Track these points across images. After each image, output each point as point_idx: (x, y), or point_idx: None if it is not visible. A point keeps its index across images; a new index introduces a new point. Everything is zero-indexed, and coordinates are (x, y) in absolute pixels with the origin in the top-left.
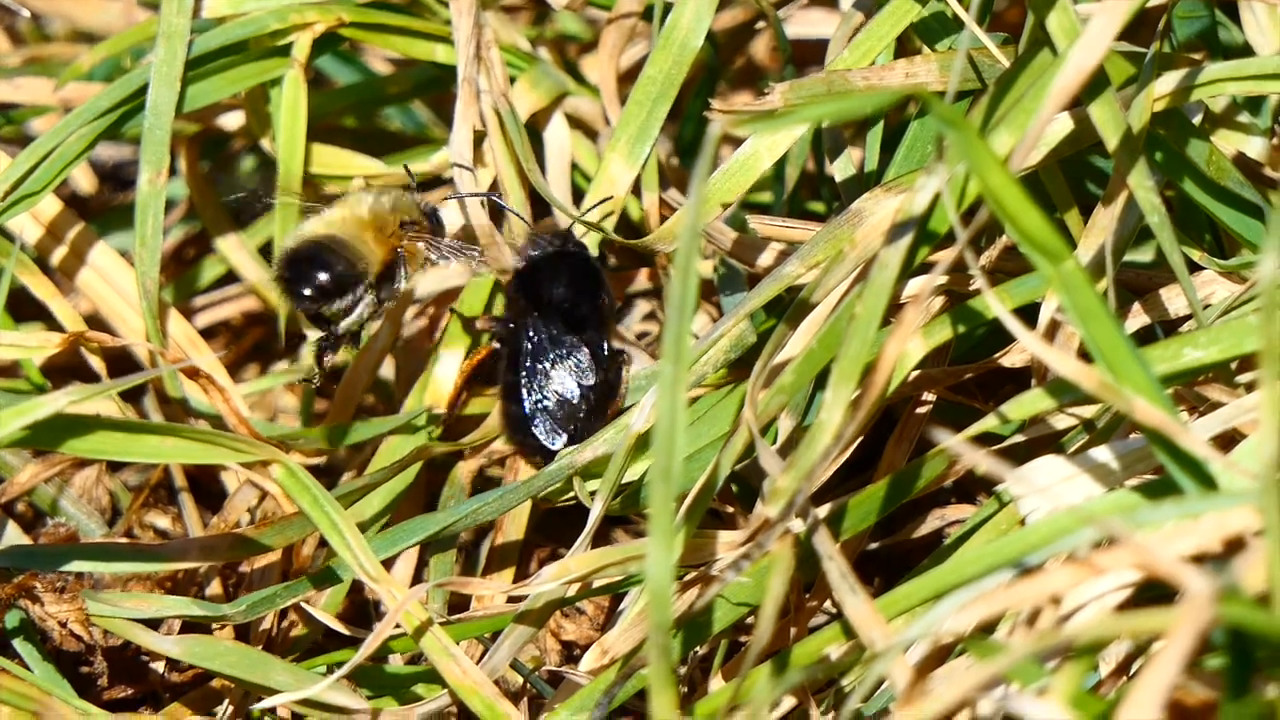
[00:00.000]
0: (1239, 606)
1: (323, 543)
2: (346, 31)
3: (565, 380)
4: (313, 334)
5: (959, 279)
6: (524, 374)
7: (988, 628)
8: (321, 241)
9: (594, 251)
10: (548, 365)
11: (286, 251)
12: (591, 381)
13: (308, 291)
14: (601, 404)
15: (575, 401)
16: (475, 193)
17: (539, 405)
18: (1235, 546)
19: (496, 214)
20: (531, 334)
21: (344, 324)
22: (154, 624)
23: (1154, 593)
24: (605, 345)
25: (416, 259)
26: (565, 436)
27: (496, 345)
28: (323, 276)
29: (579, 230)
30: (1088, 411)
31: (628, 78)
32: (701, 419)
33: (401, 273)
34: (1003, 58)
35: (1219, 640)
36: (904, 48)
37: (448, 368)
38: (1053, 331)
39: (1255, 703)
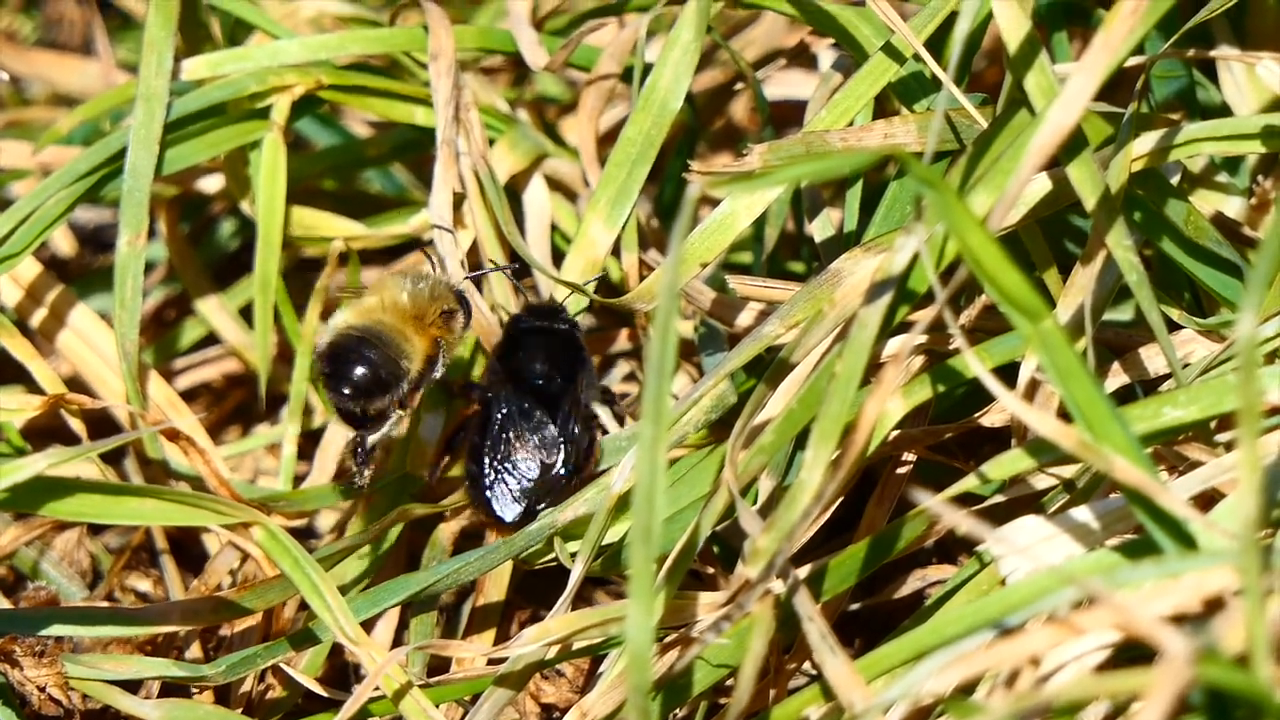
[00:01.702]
0: (1218, 667)
1: (304, 604)
2: (326, 94)
3: (528, 455)
4: (339, 429)
5: (938, 338)
6: (489, 441)
7: (968, 688)
8: (363, 335)
9: (580, 322)
10: (513, 437)
11: (326, 346)
12: (553, 460)
13: (347, 391)
14: (561, 482)
15: (533, 477)
16: (497, 266)
17: (498, 475)
18: (1215, 606)
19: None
20: (504, 405)
21: (379, 433)
22: (133, 686)
23: (1133, 653)
24: (574, 424)
25: (453, 348)
26: (519, 508)
27: (476, 408)
28: (363, 373)
29: (572, 306)
30: (1068, 471)
31: (607, 139)
32: (682, 480)
33: (440, 362)
34: (980, 118)
35: (1198, 701)
36: (882, 108)
37: (430, 430)
38: (1032, 391)
39: None
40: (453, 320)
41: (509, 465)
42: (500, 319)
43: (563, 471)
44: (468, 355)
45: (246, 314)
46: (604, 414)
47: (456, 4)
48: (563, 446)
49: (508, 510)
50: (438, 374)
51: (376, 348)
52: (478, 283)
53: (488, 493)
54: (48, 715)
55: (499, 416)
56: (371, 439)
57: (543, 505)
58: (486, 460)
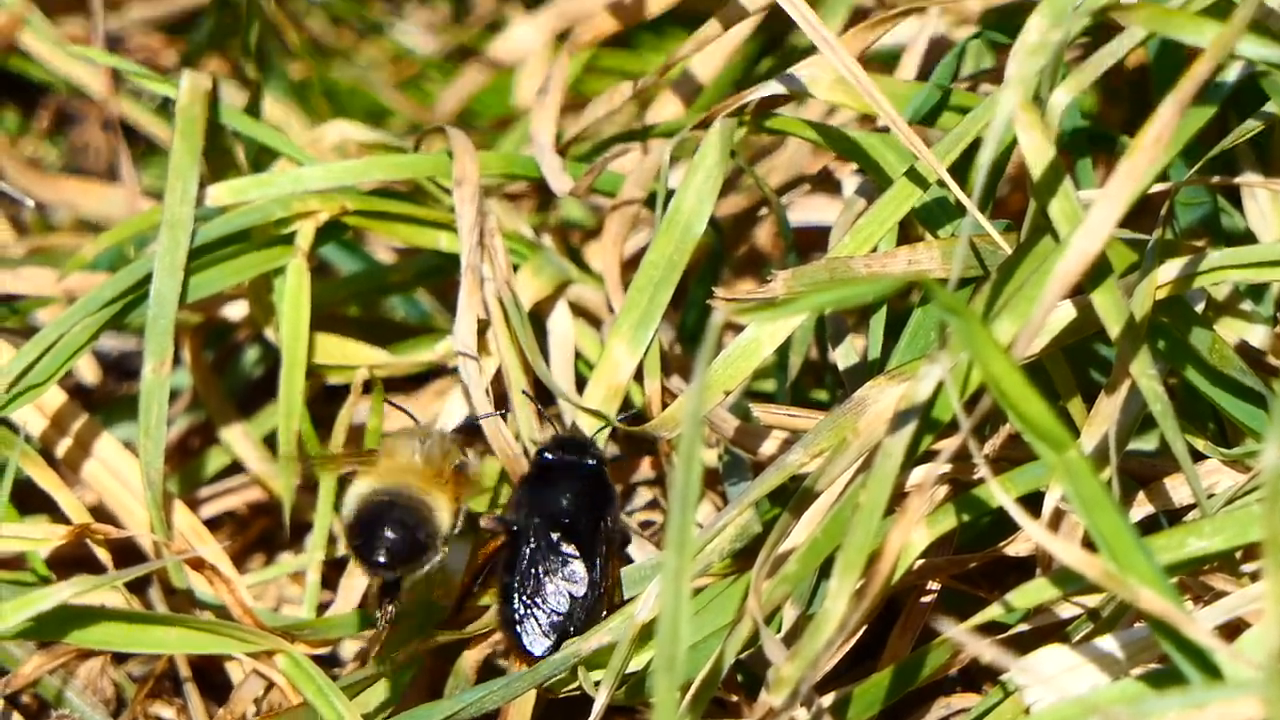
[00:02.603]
0: None
1: None
2: (350, 219)
3: (556, 589)
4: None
5: (962, 468)
6: (518, 577)
7: None
8: (392, 499)
9: (605, 451)
10: (540, 572)
11: (353, 515)
12: (582, 593)
13: (383, 559)
14: (590, 615)
15: (564, 611)
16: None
17: (528, 610)
18: None
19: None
20: (531, 539)
21: (413, 578)
22: None
23: None
24: (601, 560)
25: (471, 498)
26: (549, 643)
27: (503, 539)
28: (399, 538)
29: (600, 439)
30: (1092, 600)
31: (631, 264)
32: (706, 609)
33: (462, 515)
34: (1005, 244)
35: None
36: (906, 234)
37: (455, 559)
38: (1057, 520)
39: None
40: (465, 471)
41: (538, 600)
42: (526, 448)
43: (590, 604)
44: (491, 486)
45: (271, 442)
46: (634, 546)
47: (481, 130)
48: (591, 581)
49: (537, 645)
50: (458, 528)
51: (407, 510)
52: (501, 411)
53: (517, 628)
54: None
55: (526, 551)
56: (406, 585)
57: (570, 637)
58: (515, 598)
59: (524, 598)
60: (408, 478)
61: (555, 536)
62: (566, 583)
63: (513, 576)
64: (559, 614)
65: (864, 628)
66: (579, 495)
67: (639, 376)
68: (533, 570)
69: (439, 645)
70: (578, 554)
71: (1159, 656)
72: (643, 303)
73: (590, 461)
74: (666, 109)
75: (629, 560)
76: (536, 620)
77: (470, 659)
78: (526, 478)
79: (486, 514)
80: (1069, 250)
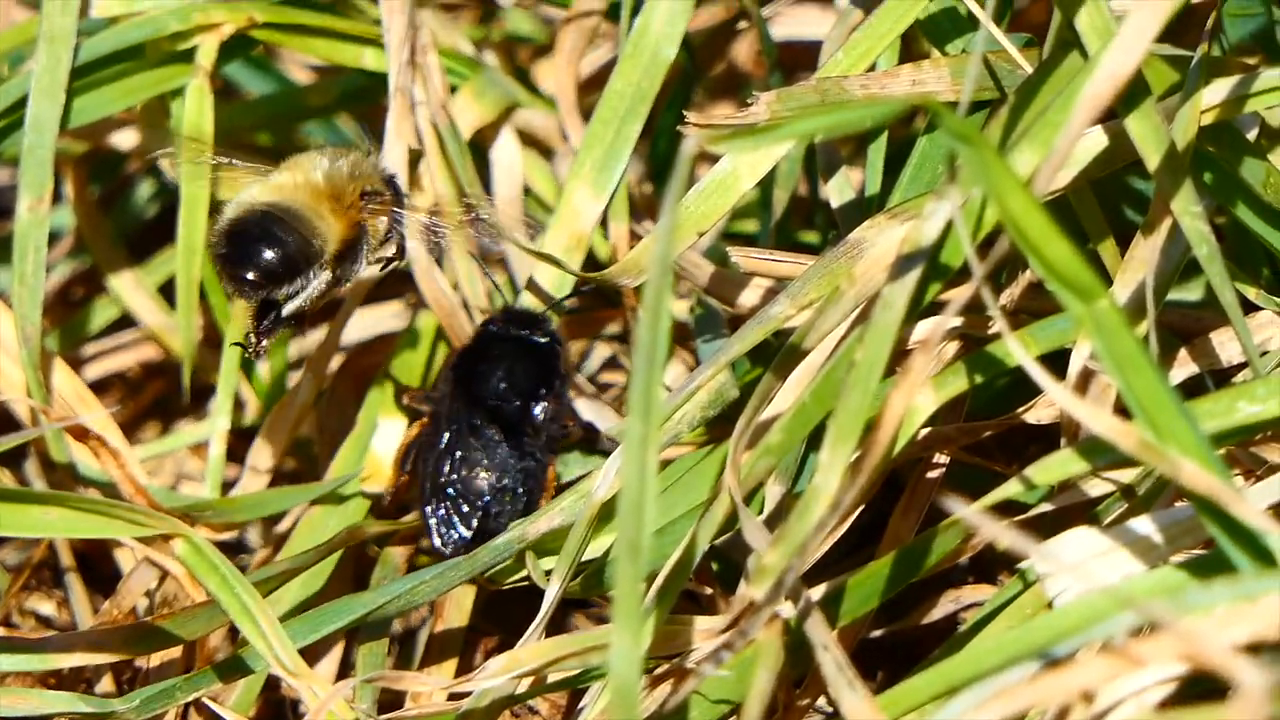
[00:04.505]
0: None
1: (233, 630)
2: (259, 33)
3: (475, 477)
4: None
5: (975, 321)
6: (434, 462)
7: None
8: (269, 212)
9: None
10: (460, 457)
11: (226, 223)
12: (506, 484)
13: (251, 275)
14: (516, 511)
15: (483, 505)
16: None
17: (441, 500)
18: None
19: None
20: (454, 420)
21: (290, 305)
22: None
23: (1202, 688)
24: (537, 451)
25: (377, 235)
26: (463, 538)
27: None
28: (270, 255)
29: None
30: (1126, 476)
31: (589, 86)
32: (675, 485)
33: (363, 252)
34: (1025, 62)
35: None
36: (909, 50)
37: (386, 439)
38: (1085, 382)
39: None
40: (378, 201)
41: (453, 490)
42: (463, 299)
43: (518, 498)
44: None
45: (167, 292)
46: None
47: None
48: (520, 471)
49: (447, 540)
50: (362, 265)
51: (284, 224)
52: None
53: (429, 520)
54: None
55: (447, 435)
56: (286, 310)
57: (492, 536)
58: (430, 483)
59: (438, 486)
60: (299, 194)
61: (479, 419)
62: (488, 471)
63: (429, 462)
64: (478, 507)
65: (860, 508)
66: (515, 374)
67: (604, 223)
68: (452, 455)
69: (366, 538)
70: (504, 440)
71: (1203, 541)
72: (606, 138)
73: (539, 339)
74: None
75: (591, 432)
76: (450, 513)
77: (400, 548)
78: (462, 351)
79: (409, 392)
80: (1099, 68)
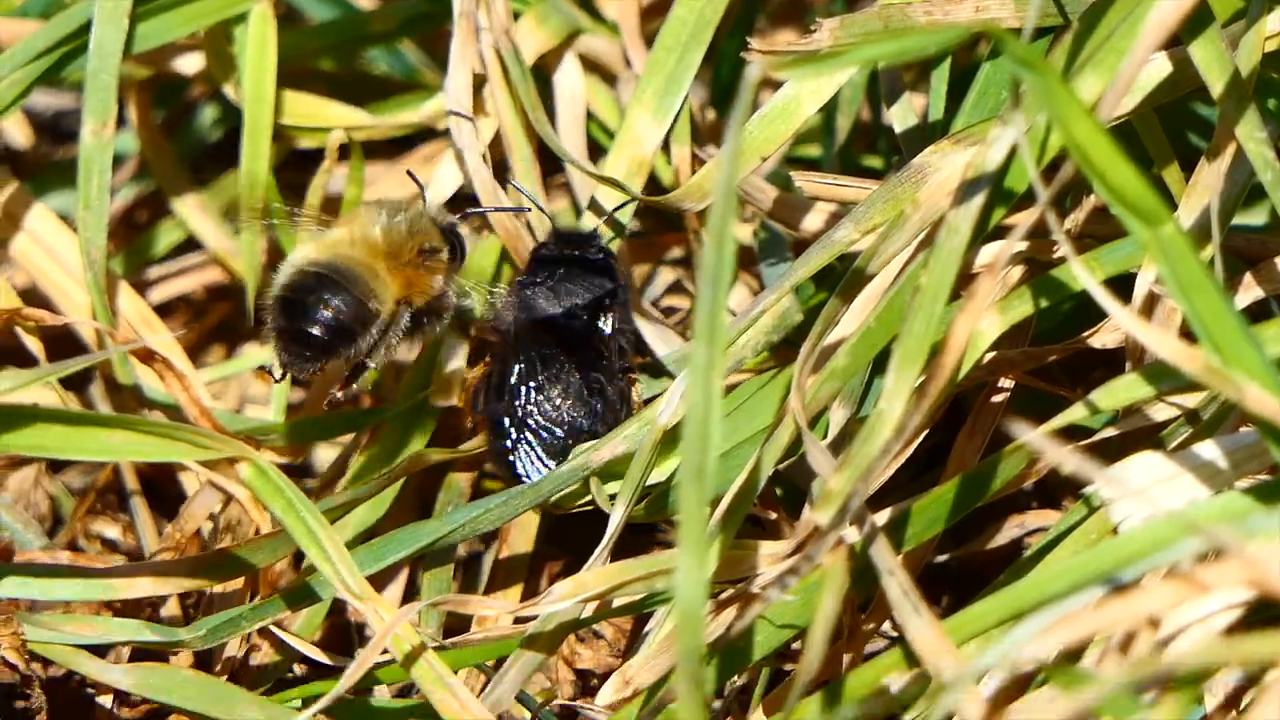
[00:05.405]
0: None
1: (298, 556)
2: None
3: (554, 408)
4: None
5: (1040, 246)
6: (508, 397)
7: (1074, 654)
8: (321, 273)
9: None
10: (533, 389)
11: (280, 289)
12: (583, 412)
13: (312, 333)
14: (597, 431)
15: (563, 436)
16: (501, 208)
17: (520, 436)
18: None
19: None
20: (523, 351)
21: (368, 360)
22: (101, 651)
23: (1268, 614)
24: (607, 373)
25: (431, 293)
26: (548, 468)
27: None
28: (319, 333)
29: (606, 232)
30: (1191, 400)
31: (651, 12)
32: (739, 409)
33: (409, 310)
34: None
35: None
36: None
37: (452, 358)
38: (1150, 306)
39: None
40: (434, 259)
41: (531, 424)
42: (531, 228)
43: (598, 424)
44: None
45: (231, 215)
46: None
47: None
48: (596, 396)
49: (535, 475)
50: (405, 322)
51: (336, 285)
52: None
53: (510, 457)
54: (3, 682)
55: (517, 367)
56: (370, 363)
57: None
58: (506, 424)
59: (516, 422)
60: (354, 250)
61: (549, 347)
62: (565, 400)
63: (502, 397)
64: (559, 438)
65: (925, 433)
66: (577, 290)
67: (666, 148)
68: (524, 388)
69: (431, 464)
70: (578, 365)
71: (1269, 466)
72: (669, 64)
73: (593, 254)
74: None
75: (651, 357)
76: (531, 447)
77: (464, 474)
78: (520, 279)
79: (476, 325)
80: None
